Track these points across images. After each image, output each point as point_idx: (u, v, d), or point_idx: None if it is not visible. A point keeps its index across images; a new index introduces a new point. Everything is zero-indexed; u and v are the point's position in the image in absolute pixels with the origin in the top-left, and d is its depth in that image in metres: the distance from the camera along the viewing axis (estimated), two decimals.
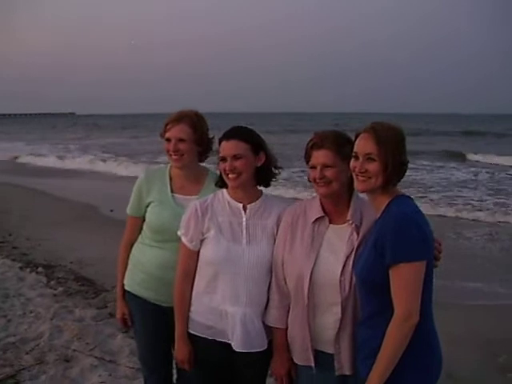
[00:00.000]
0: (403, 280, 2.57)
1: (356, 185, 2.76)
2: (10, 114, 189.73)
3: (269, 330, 3.19)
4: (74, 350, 5.64)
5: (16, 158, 31.09)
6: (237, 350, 3.17)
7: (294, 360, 3.12)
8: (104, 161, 28.09)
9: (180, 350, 3.32)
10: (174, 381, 3.91)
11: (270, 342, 3.22)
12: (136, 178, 3.76)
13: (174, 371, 3.87)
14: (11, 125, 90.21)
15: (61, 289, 7.66)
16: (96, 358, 5.49)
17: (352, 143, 2.80)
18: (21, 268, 8.59)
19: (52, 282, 7.96)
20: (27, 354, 5.55)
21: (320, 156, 2.93)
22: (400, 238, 2.57)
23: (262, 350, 3.18)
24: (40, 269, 8.56)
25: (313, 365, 3.02)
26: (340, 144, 2.91)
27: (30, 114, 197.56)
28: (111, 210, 13.50)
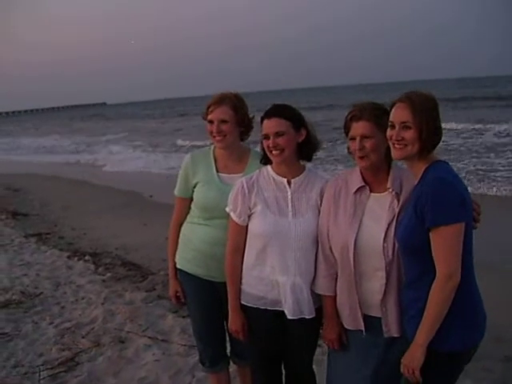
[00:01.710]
0: (443, 242, 2.66)
1: (393, 153, 2.84)
2: (42, 109, 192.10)
3: (317, 297, 3.31)
4: (128, 332, 5.84)
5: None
6: (289, 318, 3.30)
7: (344, 325, 3.23)
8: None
9: (234, 321, 3.47)
10: (228, 353, 4.08)
11: (319, 309, 3.35)
12: None
13: (228, 344, 4.04)
14: (56, 118, 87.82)
15: (109, 274, 7.87)
16: (149, 338, 5.68)
17: (389, 114, 2.86)
18: (68, 257, 8.85)
19: (100, 269, 8.18)
20: (83, 337, 5.77)
21: (359, 127, 3.00)
22: (438, 201, 2.65)
23: (312, 316, 3.30)
24: (87, 257, 8.80)
25: (363, 329, 3.14)
26: (378, 115, 2.98)
27: (63, 107, 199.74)
28: (151, 196, 13.74)
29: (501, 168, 15.41)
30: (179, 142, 30.28)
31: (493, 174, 14.52)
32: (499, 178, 13.81)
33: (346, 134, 3.09)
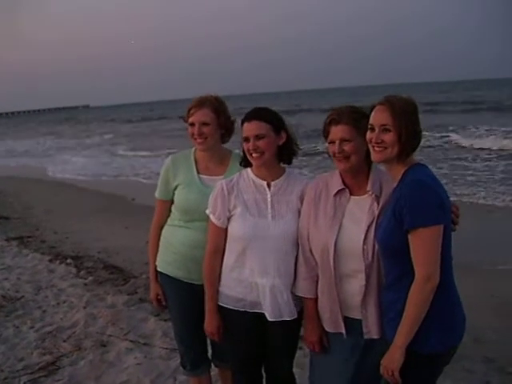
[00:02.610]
0: (422, 244, 2.67)
1: (373, 156, 2.86)
2: (24, 111, 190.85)
3: (298, 299, 3.32)
4: (110, 336, 5.81)
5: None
6: (269, 320, 3.30)
7: (325, 328, 3.24)
8: None
9: (209, 323, 3.48)
10: (209, 356, 4.08)
11: (300, 312, 3.36)
12: None
13: (209, 347, 4.04)
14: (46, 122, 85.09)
15: (91, 278, 7.83)
16: (131, 341, 5.66)
17: (368, 117, 2.88)
18: (50, 260, 8.80)
19: (82, 272, 8.14)
20: (65, 341, 5.73)
21: (338, 131, 3.02)
22: (417, 203, 2.67)
23: (291, 318, 3.31)
24: (69, 260, 8.75)
25: (343, 331, 3.15)
26: (356, 118, 3.00)
27: (44, 110, 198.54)
28: (133, 199, 13.74)
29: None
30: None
31: None
32: None
33: (326, 137, 3.11)
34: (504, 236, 9.17)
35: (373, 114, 2.84)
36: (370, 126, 2.84)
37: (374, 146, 2.82)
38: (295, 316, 3.33)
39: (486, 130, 25.66)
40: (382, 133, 2.78)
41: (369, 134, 2.85)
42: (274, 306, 3.28)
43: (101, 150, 31.94)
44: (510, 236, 9.18)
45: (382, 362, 2.83)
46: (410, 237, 2.70)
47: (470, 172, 15.72)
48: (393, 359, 2.76)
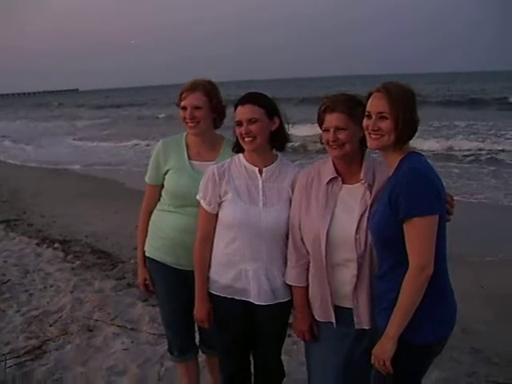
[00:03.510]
0: (417, 234, 2.65)
1: (369, 143, 2.83)
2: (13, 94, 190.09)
3: (288, 286, 3.31)
4: (96, 320, 5.80)
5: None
6: (257, 303, 3.30)
7: (315, 317, 3.23)
8: None
9: (199, 310, 3.46)
10: (197, 342, 4.06)
11: (290, 300, 3.34)
12: None
13: (197, 334, 4.02)
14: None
15: (78, 262, 7.81)
16: (118, 326, 5.65)
17: (363, 105, 2.86)
18: (37, 244, 8.77)
19: (69, 257, 8.11)
20: (51, 326, 5.71)
21: (333, 119, 2.99)
22: (413, 192, 2.64)
23: (281, 301, 3.32)
24: (56, 244, 8.72)
25: (333, 320, 3.13)
26: (352, 106, 2.97)
27: (34, 93, 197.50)
28: (123, 183, 13.71)
29: None
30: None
31: None
32: None
33: (320, 125, 3.08)
34: (492, 228, 9.22)
35: (370, 101, 2.81)
36: (366, 113, 2.81)
37: (370, 134, 2.80)
38: (288, 298, 3.33)
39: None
40: (379, 120, 2.75)
41: (365, 121, 2.82)
42: (263, 290, 3.28)
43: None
44: (498, 228, 9.23)
45: (373, 351, 2.82)
46: (405, 226, 2.68)
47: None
48: (384, 349, 2.74)
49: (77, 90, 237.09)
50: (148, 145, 22.90)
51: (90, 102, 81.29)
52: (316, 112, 3.10)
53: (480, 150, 18.29)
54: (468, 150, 18.21)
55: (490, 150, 18.20)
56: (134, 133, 28.71)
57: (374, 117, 2.77)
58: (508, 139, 20.61)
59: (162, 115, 39.76)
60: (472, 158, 17.20)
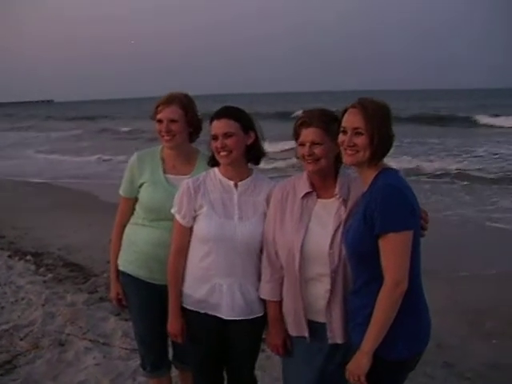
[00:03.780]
0: (392, 249, 2.66)
1: (344, 158, 2.84)
2: None
3: (262, 301, 3.30)
4: (68, 335, 5.70)
5: None
6: (229, 319, 3.29)
7: (289, 331, 3.22)
8: None
9: (173, 324, 3.43)
10: (170, 358, 4.02)
11: (264, 315, 3.33)
12: None
13: (170, 348, 3.98)
14: None
15: (50, 275, 7.71)
16: (90, 341, 5.56)
17: (339, 121, 2.87)
18: (9, 256, 8.64)
19: (41, 269, 8.01)
20: (22, 340, 5.61)
21: (309, 133, 3.00)
22: (388, 208, 2.66)
23: (255, 316, 3.31)
24: (28, 257, 8.60)
25: (307, 335, 3.13)
26: (328, 122, 2.99)
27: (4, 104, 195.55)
28: (97, 196, 13.60)
29: None
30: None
31: None
32: None
33: (296, 139, 3.09)
34: (466, 243, 9.34)
35: (345, 116, 2.82)
36: (342, 129, 2.82)
37: (345, 149, 2.81)
38: (262, 313, 3.32)
39: None
40: (355, 136, 2.76)
41: (341, 137, 2.82)
42: (236, 305, 3.27)
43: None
44: (471, 243, 9.37)
45: (348, 366, 2.81)
46: (379, 241, 2.69)
47: None
48: (359, 364, 2.74)
49: (52, 101, 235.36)
50: (107, 160, 23.09)
51: (60, 113, 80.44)
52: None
53: (448, 166, 18.46)
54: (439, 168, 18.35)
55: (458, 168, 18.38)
56: (96, 147, 28.56)
57: (349, 132, 2.77)
58: (475, 156, 20.96)
59: (126, 129, 39.35)
60: (441, 173, 17.35)
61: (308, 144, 3.00)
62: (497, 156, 20.72)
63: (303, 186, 3.13)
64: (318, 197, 3.11)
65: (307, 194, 3.11)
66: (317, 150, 2.99)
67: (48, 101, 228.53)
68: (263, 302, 3.29)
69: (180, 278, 3.38)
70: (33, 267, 8.11)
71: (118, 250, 3.81)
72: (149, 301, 3.71)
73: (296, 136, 3.09)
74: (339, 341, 3.06)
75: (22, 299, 6.80)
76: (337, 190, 3.05)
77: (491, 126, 32.97)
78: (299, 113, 3.21)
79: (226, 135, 3.20)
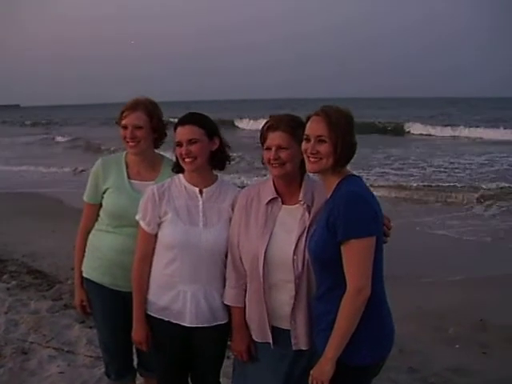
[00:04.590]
0: (354, 255, 2.68)
1: (307, 166, 2.86)
2: None
3: (226, 308, 3.30)
4: (31, 343, 5.63)
5: None
6: (193, 326, 3.28)
7: (253, 337, 3.22)
8: None
9: (137, 332, 3.41)
10: (135, 365, 3.99)
11: (229, 322, 3.32)
12: None
13: (135, 356, 3.95)
14: None
15: (14, 282, 7.60)
16: (54, 349, 5.50)
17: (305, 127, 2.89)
18: None
19: (5, 277, 7.89)
20: None
21: (275, 138, 3.02)
22: (350, 215, 2.67)
23: (220, 323, 3.31)
24: None
25: (270, 341, 3.13)
26: (294, 127, 3.00)
27: None
28: (61, 201, 13.44)
29: None
30: None
31: None
32: None
33: (262, 143, 3.10)
34: (427, 250, 9.47)
35: (308, 124, 2.84)
36: (305, 137, 2.83)
37: (309, 157, 2.82)
38: (226, 320, 3.32)
39: None
40: (318, 143, 2.77)
41: (304, 145, 2.84)
42: (202, 313, 3.27)
43: None
44: (433, 250, 9.49)
45: (312, 372, 2.81)
46: (342, 248, 2.70)
47: None
48: (323, 371, 2.75)
49: (18, 105, 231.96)
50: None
51: (20, 119, 78.86)
52: None
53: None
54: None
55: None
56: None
57: (312, 140, 2.79)
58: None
59: (65, 139, 37.86)
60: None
61: (274, 148, 3.01)
62: None
63: (268, 192, 3.14)
64: (283, 203, 3.12)
65: (272, 200, 3.12)
66: (283, 155, 3.00)
67: (14, 106, 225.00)
68: (228, 308, 3.29)
69: (144, 284, 3.37)
70: None
71: (82, 256, 3.78)
72: (113, 308, 3.68)
73: (263, 140, 3.10)
74: (303, 347, 3.07)
75: None
76: (301, 196, 3.07)
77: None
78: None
79: (191, 142, 3.20)
